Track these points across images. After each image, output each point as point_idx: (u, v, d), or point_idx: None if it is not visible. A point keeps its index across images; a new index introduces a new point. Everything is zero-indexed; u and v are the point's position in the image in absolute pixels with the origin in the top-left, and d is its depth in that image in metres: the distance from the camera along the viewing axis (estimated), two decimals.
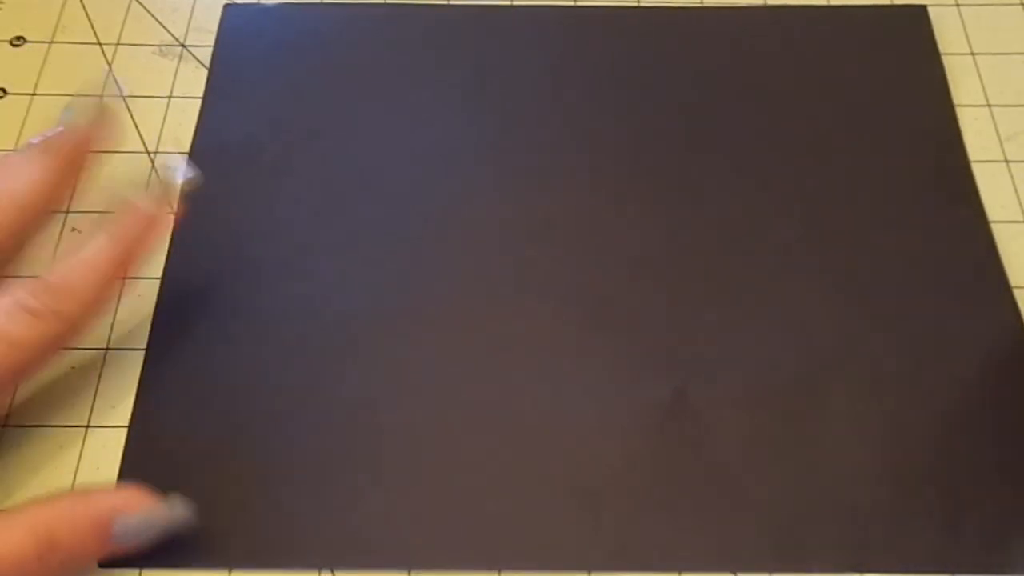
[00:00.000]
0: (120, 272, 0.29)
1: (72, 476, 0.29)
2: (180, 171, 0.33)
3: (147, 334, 0.32)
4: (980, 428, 0.30)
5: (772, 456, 0.29)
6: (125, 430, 0.30)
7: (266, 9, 0.40)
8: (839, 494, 0.29)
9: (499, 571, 0.28)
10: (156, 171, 0.33)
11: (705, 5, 0.40)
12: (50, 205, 0.30)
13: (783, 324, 0.32)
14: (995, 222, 0.34)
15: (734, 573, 0.28)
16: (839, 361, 0.31)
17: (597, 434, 0.30)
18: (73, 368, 0.31)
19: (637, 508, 0.29)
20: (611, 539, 0.28)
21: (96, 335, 0.32)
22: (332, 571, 0.28)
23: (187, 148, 0.36)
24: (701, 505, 0.29)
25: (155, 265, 0.33)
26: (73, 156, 0.30)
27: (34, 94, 0.38)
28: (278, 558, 0.28)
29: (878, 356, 0.31)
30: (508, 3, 0.40)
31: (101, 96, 0.29)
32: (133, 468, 0.29)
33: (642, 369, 0.31)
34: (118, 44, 0.39)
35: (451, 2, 0.40)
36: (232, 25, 0.39)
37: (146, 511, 0.26)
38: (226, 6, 0.39)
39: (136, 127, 0.37)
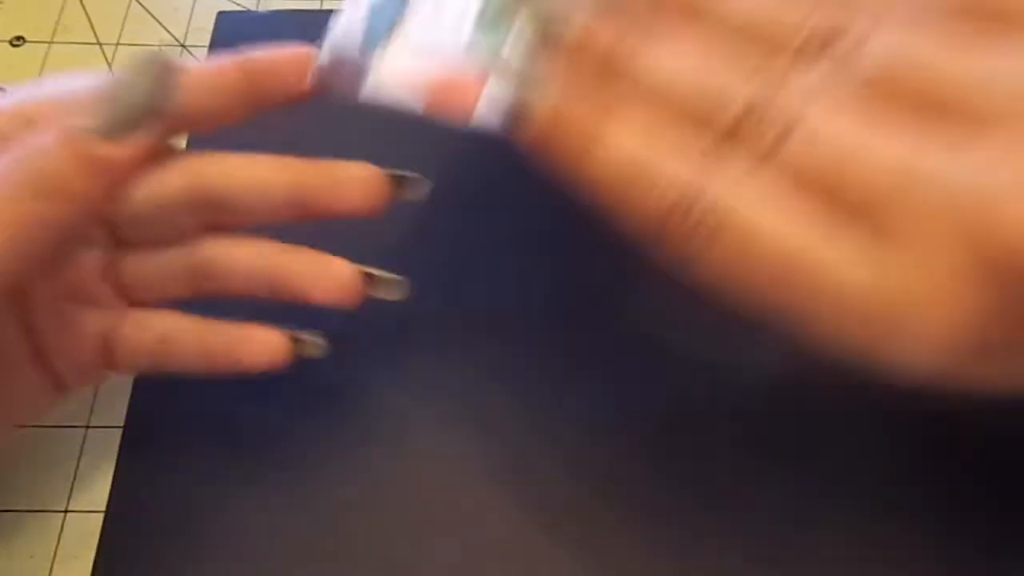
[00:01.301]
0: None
1: (72, 476, 0.30)
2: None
3: None
4: (977, 434, 0.30)
5: (769, 467, 0.29)
6: (123, 431, 0.30)
7: (259, 16, 0.40)
8: (837, 504, 0.29)
9: None
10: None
11: None
12: None
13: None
14: None
15: None
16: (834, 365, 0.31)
17: (593, 445, 0.30)
18: None
19: (631, 523, 0.29)
20: (606, 557, 0.28)
21: None
22: None
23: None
24: (697, 517, 0.29)
25: None
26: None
27: None
28: None
29: None
30: None
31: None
32: (129, 468, 0.29)
33: (641, 373, 0.31)
34: (118, 44, 0.39)
35: None
36: (225, 32, 0.39)
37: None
38: (219, 14, 0.39)
39: None
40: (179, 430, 0.30)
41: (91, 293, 0.26)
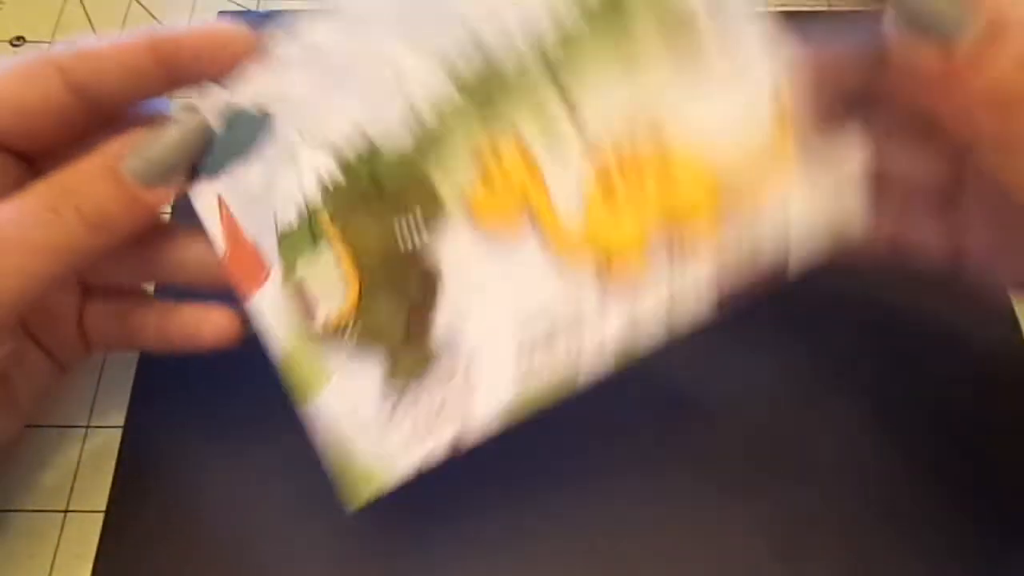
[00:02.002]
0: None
1: (72, 475, 0.30)
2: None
3: None
4: (978, 435, 0.30)
5: (771, 470, 0.29)
6: (123, 431, 0.30)
7: (259, 16, 0.40)
8: (839, 508, 0.29)
9: None
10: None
11: None
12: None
13: (779, 324, 0.32)
14: None
15: None
16: (835, 366, 0.31)
17: (592, 449, 0.30)
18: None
19: (632, 529, 0.29)
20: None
21: None
22: None
23: None
24: (700, 523, 0.29)
25: None
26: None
27: None
28: None
29: (875, 359, 0.31)
30: None
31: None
32: (129, 468, 0.29)
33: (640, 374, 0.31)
34: None
35: None
36: None
37: (153, 134, 0.24)
38: (219, 14, 0.39)
39: None
40: (179, 430, 0.30)
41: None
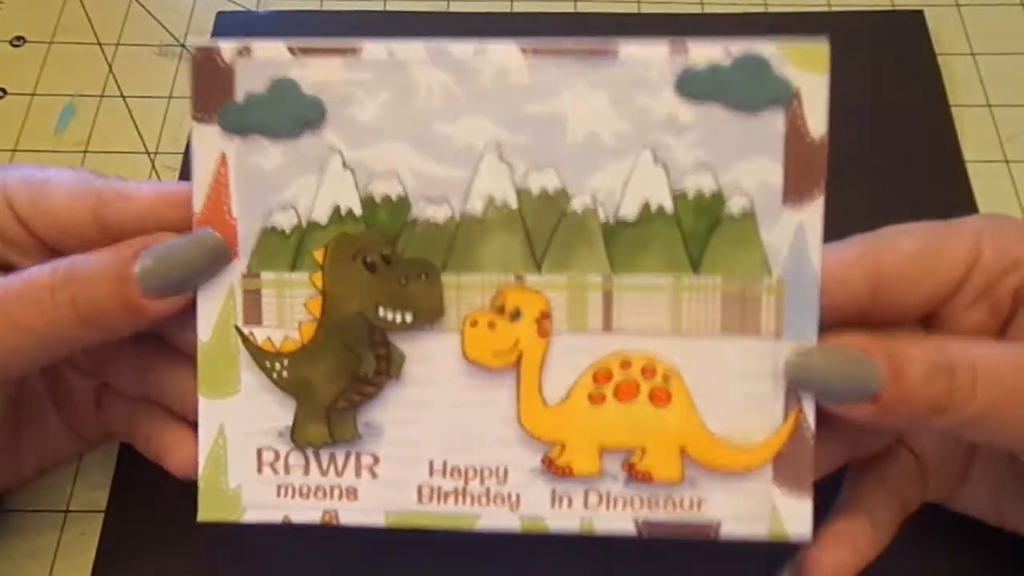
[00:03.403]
0: None
1: (72, 476, 0.30)
2: None
3: None
4: None
5: None
6: None
7: (259, 16, 0.40)
8: None
9: None
10: None
11: (706, 11, 0.40)
12: None
13: None
14: None
15: None
16: None
17: None
18: None
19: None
20: None
21: None
22: None
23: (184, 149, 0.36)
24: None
25: None
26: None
27: (34, 94, 0.38)
28: None
29: None
30: (507, 9, 0.40)
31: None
32: (129, 468, 0.29)
33: None
34: (118, 44, 0.39)
35: (448, 8, 0.40)
36: (225, 32, 0.39)
37: (172, 243, 0.23)
38: (219, 14, 0.39)
39: (136, 127, 0.37)
40: None
41: (79, 362, 0.27)
